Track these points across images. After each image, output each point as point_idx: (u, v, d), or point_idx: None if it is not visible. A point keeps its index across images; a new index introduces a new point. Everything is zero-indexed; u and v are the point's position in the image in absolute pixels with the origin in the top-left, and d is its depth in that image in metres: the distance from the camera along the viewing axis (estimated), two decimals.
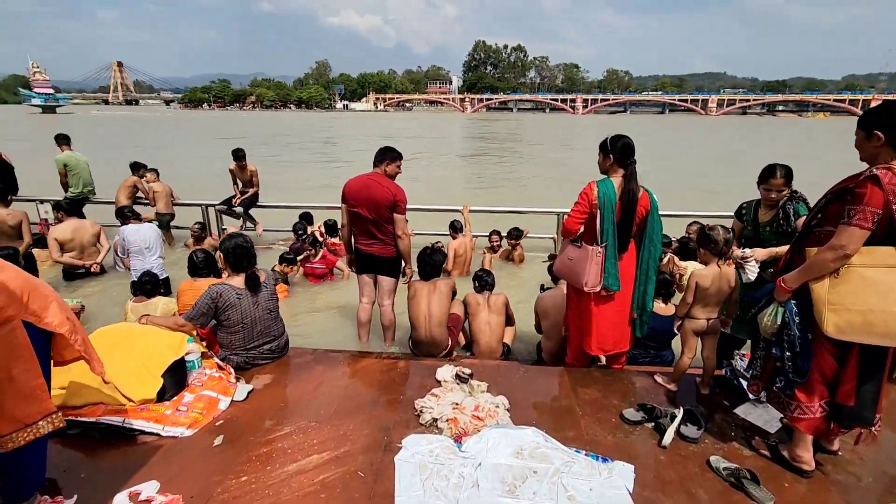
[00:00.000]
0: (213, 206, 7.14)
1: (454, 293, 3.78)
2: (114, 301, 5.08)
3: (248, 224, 7.29)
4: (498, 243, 6.61)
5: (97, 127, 47.02)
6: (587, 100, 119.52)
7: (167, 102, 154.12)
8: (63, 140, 7.10)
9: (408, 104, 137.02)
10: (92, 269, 5.63)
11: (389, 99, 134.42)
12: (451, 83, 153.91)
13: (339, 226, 6.68)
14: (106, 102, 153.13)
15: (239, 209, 6.90)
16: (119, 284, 5.53)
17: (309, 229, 6.89)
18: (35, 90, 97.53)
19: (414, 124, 57.06)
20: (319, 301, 5.36)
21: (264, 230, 7.23)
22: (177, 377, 2.52)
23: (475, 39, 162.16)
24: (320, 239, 6.50)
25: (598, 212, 2.66)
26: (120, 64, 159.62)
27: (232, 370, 2.72)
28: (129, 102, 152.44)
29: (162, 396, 2.44)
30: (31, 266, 4.88)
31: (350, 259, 4.15)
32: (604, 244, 2.68)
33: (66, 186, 7.16)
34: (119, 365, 2.38)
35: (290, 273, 5.75)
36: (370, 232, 3.82)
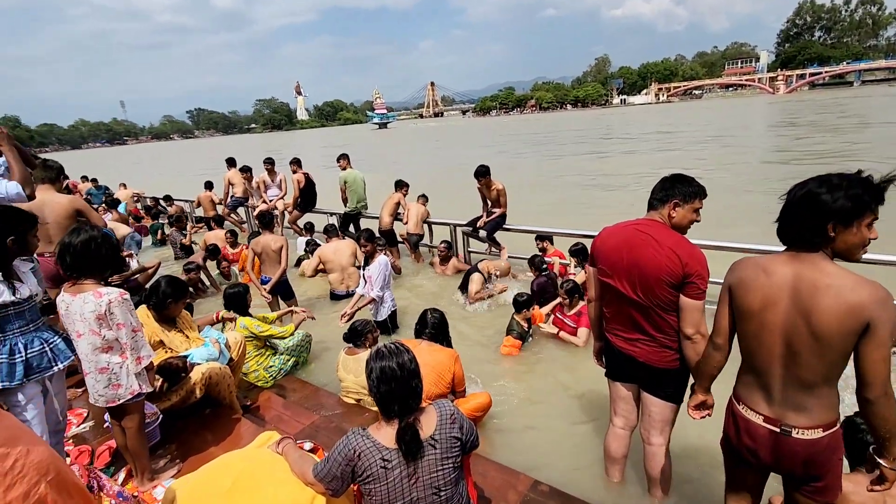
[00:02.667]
0: (461, 226, 6.62)
1: None
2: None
3: (493, 249, 6.52)
4: None
5: (411, 134, 56.89)
6: None
7: (463, 112, 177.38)
8: (344, 158, 7.77)
9: (696, 91, 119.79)
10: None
11: (674, 88, 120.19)
12: (757, 61, 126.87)
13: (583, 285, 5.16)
14: (421, 116, 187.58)
15: (483, 233, 6.15)
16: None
17: (556, 261, 5.59)
18: (376, 111, 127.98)
19: (699, 115, 48.58)
20: (566, 375, 3.90)
21: (510, 256, 6.29)
22: None
23: (798, 1, 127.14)
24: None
25: None
26: (433, 84, 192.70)
27: None
28: (436, 115, 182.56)
29: None
30: (286, 289, 5.12)
31: (598, 349, 2.64)
32: None
33: (345, 202, 7.85)
34: None
35: (538, 322, 4.54)
36: (633, 320, 2.23)
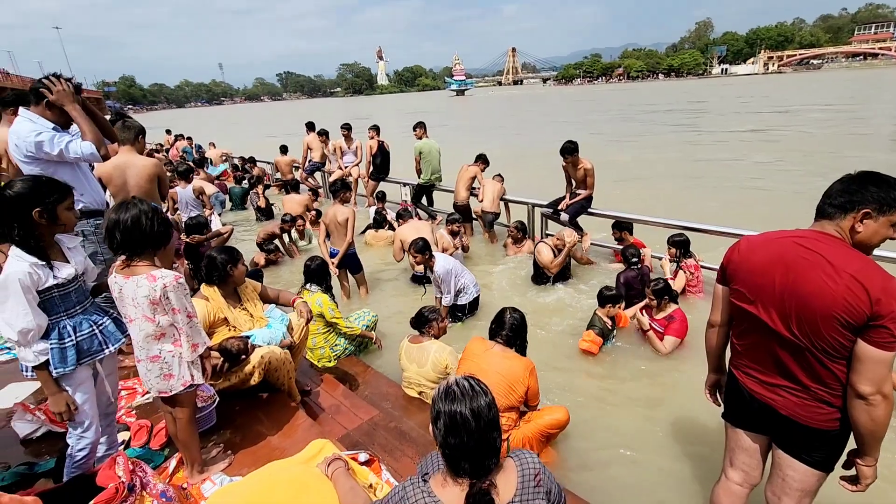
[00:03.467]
0: (540, 206, 6.10)
1: None
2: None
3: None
4: None
5: (488, 102, 55.48)
6: None
7: (544, 80, 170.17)
8: (420, 127, 7.43)
9: (814, 61, 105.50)
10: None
11: (787, 56, 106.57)
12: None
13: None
14: (499, 84, 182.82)
15: (564, 216, 5.58)
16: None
17: (646, 253, 4.95)
18: (454, 78, 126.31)
19: (813, 89, 42.56)
20: (657, 393, 3.39)
21: (592, 244, 5.71)
22: None
23: None
24: (692, 273, 4.50)
25: None
26: (514, 50, 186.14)
27: None
28: (515, 83, 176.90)
29: None
30: (354, 262, 4.95)
31: (713, 382, 2.15)
32: None
33: (419, 173, 7.55)
34: None
35: (622, 325, 4.07)
36: (779, 362, 1.71)
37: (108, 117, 3.45)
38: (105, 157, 2.77)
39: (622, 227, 5.45)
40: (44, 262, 1.72)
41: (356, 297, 5.16)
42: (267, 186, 10.25)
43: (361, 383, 3.46)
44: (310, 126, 9.81)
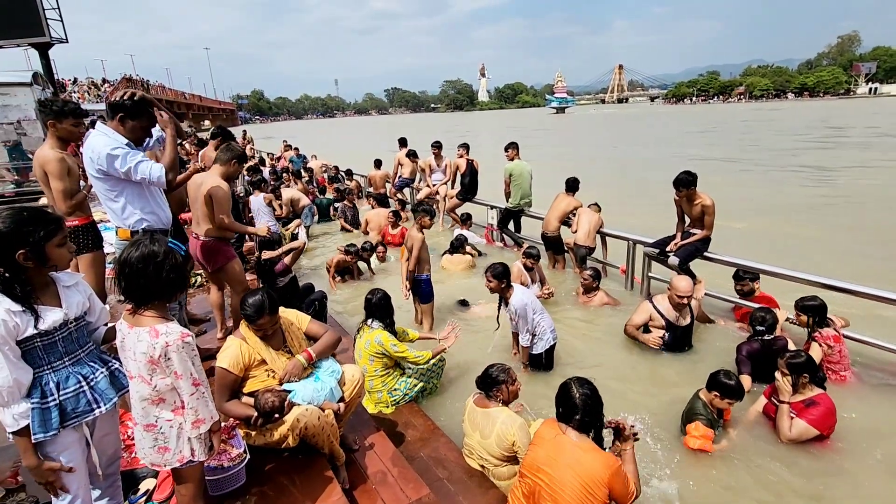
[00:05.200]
0: (644, 244, 5.28)
1: None
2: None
3: None
4: None
5: (586, 122, 53.48)
6: None
7: (651, 98, 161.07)
8: (513, 147, 6.97)
9: None
10: None
11: None
12: None
13: None
14: (602, 102, 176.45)
15: (674, 259, 4.75)
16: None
17: (781, 318, 3.98)
18: (555, 95, 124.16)
19: None
20: None
21: (707, 295, 4.80)
22: None
23: None
24: (829, 346, 3.55)
25: None
26: (621, 67, 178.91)
27: None
28: (619, 101, 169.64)
29: None
30: (424, 290, 4.59)
31: None
32: None
33: (508, 196, 7.07)
34: None
35: (728, 418, 3.27)
36: None
37: (238, 126, 3.59)
38: (170, 183, 2.75)
39: (753, 277, 4.53)
40: (24, 308, 1.48)
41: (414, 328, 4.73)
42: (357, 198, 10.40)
43: (418, 440, 3.05)
44: (402, 142, 9.81)
